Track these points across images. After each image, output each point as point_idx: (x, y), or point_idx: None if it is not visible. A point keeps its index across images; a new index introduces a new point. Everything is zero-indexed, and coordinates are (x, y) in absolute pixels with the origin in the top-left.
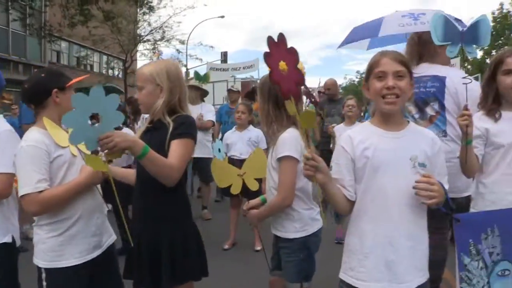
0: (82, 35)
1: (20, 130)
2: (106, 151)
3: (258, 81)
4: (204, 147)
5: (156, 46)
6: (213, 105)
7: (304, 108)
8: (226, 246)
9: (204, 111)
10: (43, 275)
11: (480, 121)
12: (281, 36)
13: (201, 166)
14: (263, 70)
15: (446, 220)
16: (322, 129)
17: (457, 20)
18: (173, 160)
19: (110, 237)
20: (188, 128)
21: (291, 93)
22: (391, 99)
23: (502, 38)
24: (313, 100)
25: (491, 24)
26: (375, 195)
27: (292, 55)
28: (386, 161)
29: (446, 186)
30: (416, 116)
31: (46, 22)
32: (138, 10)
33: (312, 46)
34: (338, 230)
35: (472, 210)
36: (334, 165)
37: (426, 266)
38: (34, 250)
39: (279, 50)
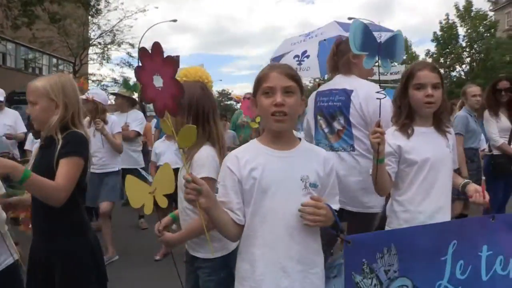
0: (29, 37)
1: None
2: None
3: None
4: (129, 157)
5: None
6: None
7: (240, 119)
8: (157, 257)
9: (129, 120)
10: None
11: (393, 138)
12: (156, 46)
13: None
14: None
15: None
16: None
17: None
18: (59, 180)
19: (8, 258)
20: (75, 147)
21: (168, 109)
22: (279, 116)
23: (449, 46)
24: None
25: (439, 33)
26: (264, 218)
27: (169, 66)
28: (275, 182)
29: (337, 207)
30: (326, 130)
31: None
32: (86, 12)
33: (264, 51)
34: None
35: (387, 228)
36: (221, 187)
37: None
38: None
39: (153, 62)
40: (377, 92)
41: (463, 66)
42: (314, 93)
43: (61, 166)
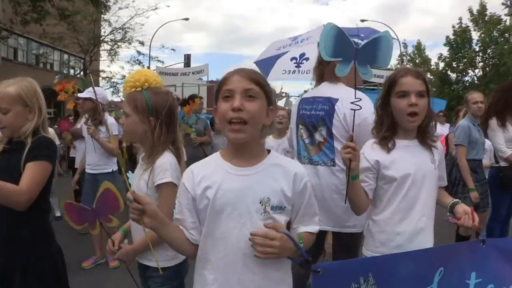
0: (40, 33)
1: None
2: None
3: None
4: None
5: (116, 46)
6: None
7: None
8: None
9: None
10: None
11: (371, 151)
12: None
13: None
14: (213, 74)
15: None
16: None
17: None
18: (23, 184)
19: None
20: (43, 150)
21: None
22: (236, 125)
23: (462, 51)
24: None
25: (452, 37)
26: (217, 242)
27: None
28: (230, 204)
29: (313, 229)
30: (307, 141)
31: None
32: (96, 9)
33: None
34: None
35: (364, 249)
36: (177, 203)
37: None
38: None
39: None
40: (352, 102)
41: (476, 71)
42: (298, 99)
43: (27, 169)
